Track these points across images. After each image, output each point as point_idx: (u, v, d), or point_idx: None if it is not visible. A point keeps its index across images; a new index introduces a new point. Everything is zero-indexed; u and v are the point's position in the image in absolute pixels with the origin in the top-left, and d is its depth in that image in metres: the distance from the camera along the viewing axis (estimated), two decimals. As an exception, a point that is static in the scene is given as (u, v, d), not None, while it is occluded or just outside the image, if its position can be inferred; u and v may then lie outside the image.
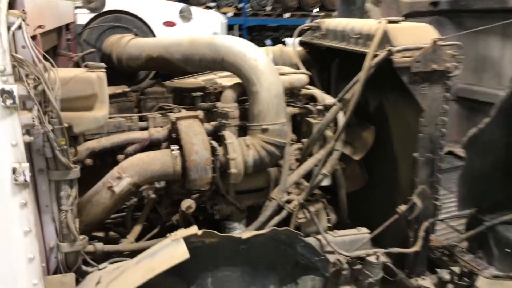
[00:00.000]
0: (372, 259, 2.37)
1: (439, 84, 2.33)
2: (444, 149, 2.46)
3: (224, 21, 8.53)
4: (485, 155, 2.47)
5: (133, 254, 2.07)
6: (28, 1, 1.84)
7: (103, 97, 2.10)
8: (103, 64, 2.15)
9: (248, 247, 2.13)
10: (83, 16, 3.50)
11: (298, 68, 2.97)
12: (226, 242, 2.08)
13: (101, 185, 2.28)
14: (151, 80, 3.03)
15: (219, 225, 2.62)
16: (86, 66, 2.13)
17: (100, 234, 2.70)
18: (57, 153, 1.82)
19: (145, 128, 2.63)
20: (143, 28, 3.15)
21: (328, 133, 2.62)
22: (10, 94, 1.52)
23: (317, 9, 10.41)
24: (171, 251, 1.87)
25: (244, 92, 2.50)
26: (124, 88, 2.80)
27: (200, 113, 2.54)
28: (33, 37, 1.86)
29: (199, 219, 2.71)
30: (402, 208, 2.43)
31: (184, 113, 2.59)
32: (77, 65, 2.92)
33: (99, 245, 2.27)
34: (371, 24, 2.50)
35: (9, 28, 1.55)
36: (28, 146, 1.75)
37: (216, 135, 2.53)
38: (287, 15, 11.43)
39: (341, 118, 2.56)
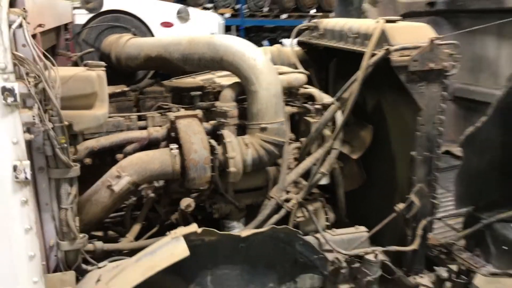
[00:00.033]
0: (370, 257, 2.38)
1: (437, 83, 2.34)
2: (442, 148, 2.48)
3: (222, 22, 8.54)
4: (482, 154, 2.49)
5: (132, 253, 2.07)
6: (28, 0, 1.85)
7: (103, 95, 2.11)
8: (103, 63, 2.16)
9: (247, 245, 2.15)
10: (82, 16, 3.50)
11: (296, 68, 2.98)
12: (226, 240, 2.09)
13: (100, 184, 2.29)
14: (150, 79, 3.04)
15: (218, 224, 2.62)
16: (86, 65, 2.14)
17: (99, 233, 2.70)
18: (57, 151, 1.82)
19: (144, 128, 2.63)
20: (141, 28, 3.16)
21: (326, 132, 2.64)
22: (11, 92, 1.52)
23: (314, 10, 10.43)
24: (171, 249, 1.88)
25: (243, 91, 2.51)
26: (123, 88, 2.80)
27: (199, 112, 2.55)
28: (33, 36, 1.86)
29: (198, 218, 2.72)
30: (400, 206, 2.44)
31: (183, 112, 2.59)
32: (75, 65, 2.92)
33: (99, 244, 2.27)
34: (369, 24, 2.51)
35: (10, 26, 1.55)
36: (29, 144, 1.75)
37: (215, 134, 2.53)
38: (284, 16, 11.45)
39: (339, 117, 2.57)
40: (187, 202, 2.43)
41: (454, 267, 2.46)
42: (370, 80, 2.39)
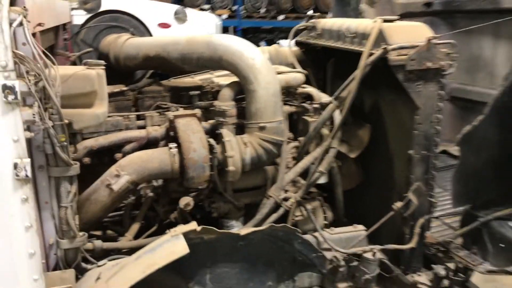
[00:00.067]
0: (368, 255, 2.39)
1: (434, 82, 2.36)
2: (439, 148, 2.49)
3: (219, 23, 8.54)
4: (478, 153, 2.50)
5: (131, 251, 2.08)
6: (28, -1, 1.86)
7: (103, 94, 2.11)
8: (102, 62, 2.17)
9: (246, 244, 2.16)
10: (80, 17, 3.51)
11: (294, 68, 2.99)
12: (225, 238, 2.10)
13: (100, 183, 2.29)
14: (149, 79, 3.04)
15: (216, 223, 2.63)
16: (85, 64, 2.14)
17: (98, 232, 2.71)
18: (57, 150, 1.83)
19: (143, 127, 2.64)
20: (140, 28, 3.16)
21: (325, 131, 2.65)
22: (12, 89, 1.53)
23: (311, 11, 10.44)
24: (170, 246, 1.88)
25: (241, 91, 2.52)
26: (121, 87, 2.81)
27: (197, 111, 2.56)
28: (33, 35, 1.87)
29: (197, 217, 2.72)
30: (398, 205, 2.46)
31: (181, 111, 2.60)
32: (74, 65, 2.93)
33: (98, 243, 2.27)
34: (367, 24, 2.53)
35: (10, 24, 1.56)
36: (29, 142, 1.75)
37: (213, 133, 2.54)
38: (281, 17, 11.45)
39: (337, 116, 2.58)
40: (186, 201, 2.44)
41: (451, 265, 2.47)
42: (368, 80, 2.40)
